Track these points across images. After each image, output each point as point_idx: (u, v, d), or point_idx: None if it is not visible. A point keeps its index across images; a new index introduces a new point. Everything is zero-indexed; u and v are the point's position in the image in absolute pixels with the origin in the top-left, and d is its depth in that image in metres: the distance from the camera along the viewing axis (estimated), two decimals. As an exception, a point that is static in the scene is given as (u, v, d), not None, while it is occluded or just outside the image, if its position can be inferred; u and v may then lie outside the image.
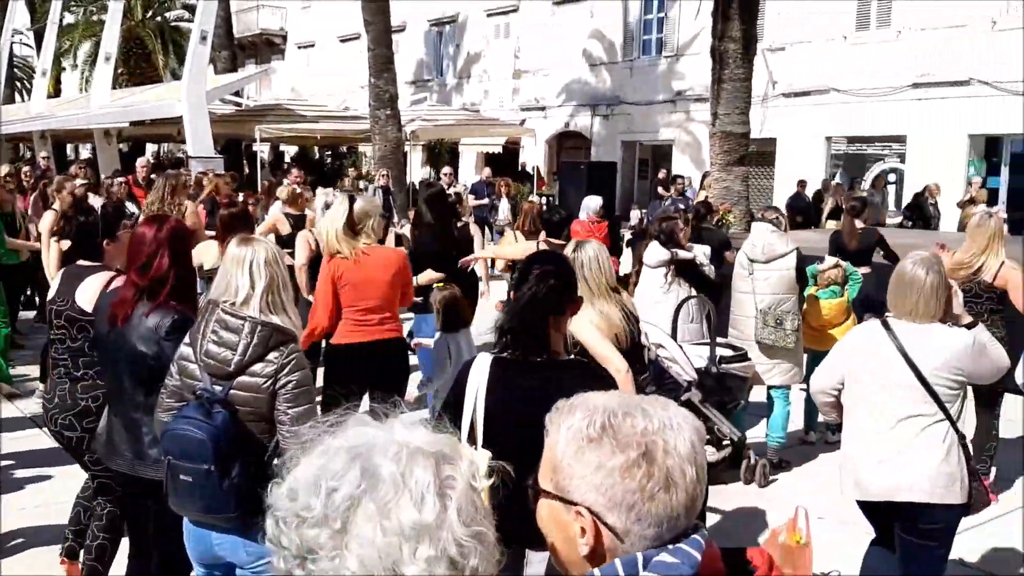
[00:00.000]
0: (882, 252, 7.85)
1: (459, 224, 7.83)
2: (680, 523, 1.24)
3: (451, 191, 13.77)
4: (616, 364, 3.71)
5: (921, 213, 16.58)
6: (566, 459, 1.27)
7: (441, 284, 6.22)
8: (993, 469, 6.07)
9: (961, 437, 3.52)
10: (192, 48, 18.87)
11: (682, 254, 6.76)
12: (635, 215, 19.58)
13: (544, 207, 8.79)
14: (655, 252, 6.74)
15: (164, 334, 3.23)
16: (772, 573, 1.30)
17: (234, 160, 21.57)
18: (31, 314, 10.46)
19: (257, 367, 2.96)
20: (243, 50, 37.46)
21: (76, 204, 7.26)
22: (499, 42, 29.67)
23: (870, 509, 3.70)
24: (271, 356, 2.97)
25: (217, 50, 26.09)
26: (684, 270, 6.80)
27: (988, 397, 5.79)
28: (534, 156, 27.81)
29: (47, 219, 8.30)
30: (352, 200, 5.18)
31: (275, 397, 2.96)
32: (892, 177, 20.41)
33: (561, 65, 27.29)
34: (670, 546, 1.24)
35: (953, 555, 4.91)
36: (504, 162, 26.36)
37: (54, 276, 4.60)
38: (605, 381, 2.88)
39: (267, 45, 39.11)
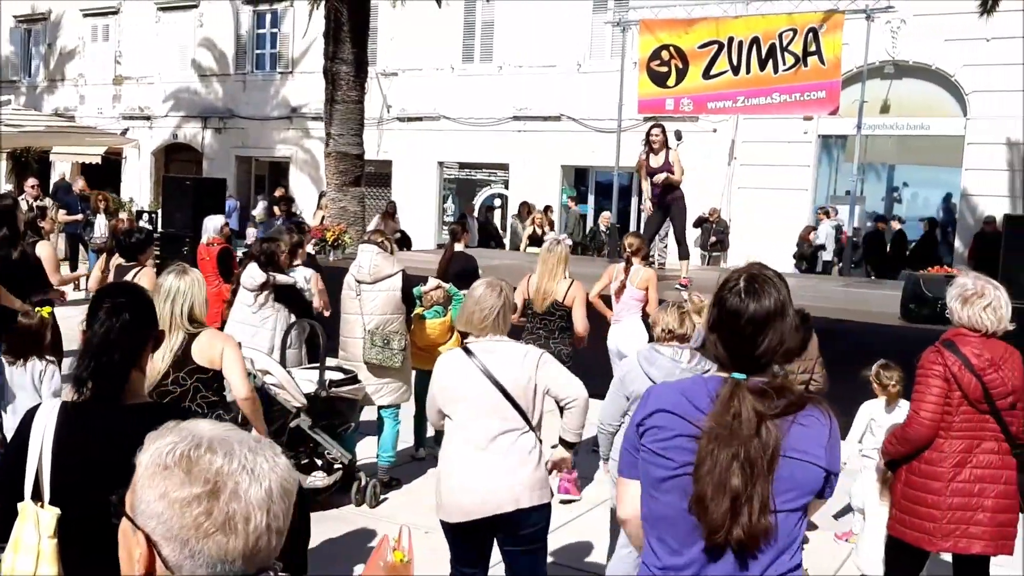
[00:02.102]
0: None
1: (32, 242, 7.02)
2: (236, 567, 1.22)
3: (37, 205, 12.39)
4: (240, 390, 4.05)
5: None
6: (142, 481, 1.25)
7: (49, 310, 5.55)
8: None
9: (540, 441, 3.84)
10: None
11: (280, 278, 6.64)
12: (251, 233, 18.99)
13: (129, 226, 8.16)
14: (252, 274, 6.57)
15: None
16: None
17: None
18: None
19: None
20: None
21: None
22: (98, 45, 27.44)
23: (465, 529, 3.81)
24: None
25: None
26: (282, 295, 6.69)
27: None
28: (139, 168, 26.04)
29: None
30: None
31: None
32: (498, 202, 21.84)
33: (168, 73, 25.89)
34: None
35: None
36: (104, 174, 24.33)
37: None
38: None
39: None
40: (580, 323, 6.42)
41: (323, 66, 14.53)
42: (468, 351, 3.81)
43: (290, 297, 6.77)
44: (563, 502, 6.22)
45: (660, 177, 9.68)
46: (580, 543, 5.64)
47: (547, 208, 18.42)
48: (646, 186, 10.01)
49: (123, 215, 12.98)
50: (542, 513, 3.80)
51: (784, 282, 2.25)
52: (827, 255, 16.58)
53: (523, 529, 3.77)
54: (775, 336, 2.16)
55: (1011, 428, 3.82)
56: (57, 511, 2.32)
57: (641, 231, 10.41)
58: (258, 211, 20.58)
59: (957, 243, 17.12)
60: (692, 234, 17.47)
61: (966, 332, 3.84)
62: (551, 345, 6.29)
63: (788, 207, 17.55)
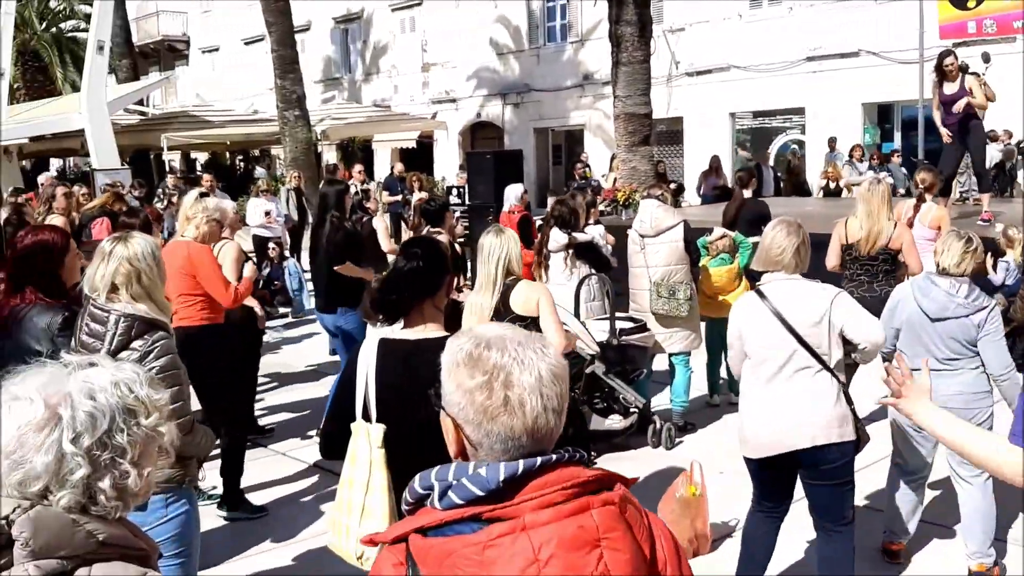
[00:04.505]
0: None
1: (363, 219, 8.04)
2: (523, 443, 1.45)
3: (361, 188, 13.89)
4: (552, 337, 4.31)
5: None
6: (443, 376, 1.52)
7: None
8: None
9: (842, 384, 3.83)
10: (89, 58, 18.55)
11: (579, 236, 7.04)
12: (551, 202, 19.81)
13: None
14: (555, 237, 7.03)
15: (56, 331, 3.39)
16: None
17: (143, 170, 21.23)
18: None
19: (123, 355, 3.09)
20: (145, 58, 36.67)
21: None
22: (406, 36, 29.68)
23: (767, 465, 3.95)
24: (136, 344, 3.13)
25: (117, 59, 25.59)
26: (583, 252, 7.08)
27: None
28: (448, 148, 27.95)
29: None
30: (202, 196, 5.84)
31: None
32: (796, 147, 21.07)
33: (469, 56, 27.45)
34: (490, 463, 1.45)
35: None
36: (418, 156, 26.47)
37: None
38: None
39: (170, 51, 38.38)
40: (916, 264, 6.04)
41: (608, 30, 14.87)
42: (760, 293, 3.89)
43: (589, 253, 7.16)
44: None
45: (960, 104, 9.05)
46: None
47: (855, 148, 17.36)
48: (938, 116, 9.41)
49: (421, 194, 14.09)
50: (841, 450, 3.79)
51: None
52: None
53: (822, 465, 3.81)
54: None
55: None
56: (383, 426, 2.81)
57: (939, 166, 9.76)
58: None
59: None
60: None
61: None
62: (876, 288, 6.06)
63: None
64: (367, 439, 2.84)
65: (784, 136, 21.62)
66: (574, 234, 6.89)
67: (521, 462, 1.43)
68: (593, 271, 6.82)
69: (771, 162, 19.96)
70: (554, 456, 1.46)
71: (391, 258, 8.84)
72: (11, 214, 7.41)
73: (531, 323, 4.52)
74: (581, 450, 1.52)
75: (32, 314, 3.49)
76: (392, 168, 19.58)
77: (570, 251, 6.90)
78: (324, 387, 7.87)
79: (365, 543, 1.57)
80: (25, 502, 1.47)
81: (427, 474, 1.49)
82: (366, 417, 2.86)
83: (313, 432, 7.09)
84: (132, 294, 3.16)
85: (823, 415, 3.75)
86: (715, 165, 18.00)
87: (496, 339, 1.51)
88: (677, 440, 6.58)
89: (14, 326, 3.54)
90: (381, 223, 7.98)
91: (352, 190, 12.75)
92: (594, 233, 7.19)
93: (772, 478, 4.00)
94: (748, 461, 4.03)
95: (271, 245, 12.74)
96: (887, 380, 2.49)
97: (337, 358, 7.53)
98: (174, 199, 13.18)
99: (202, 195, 6.40)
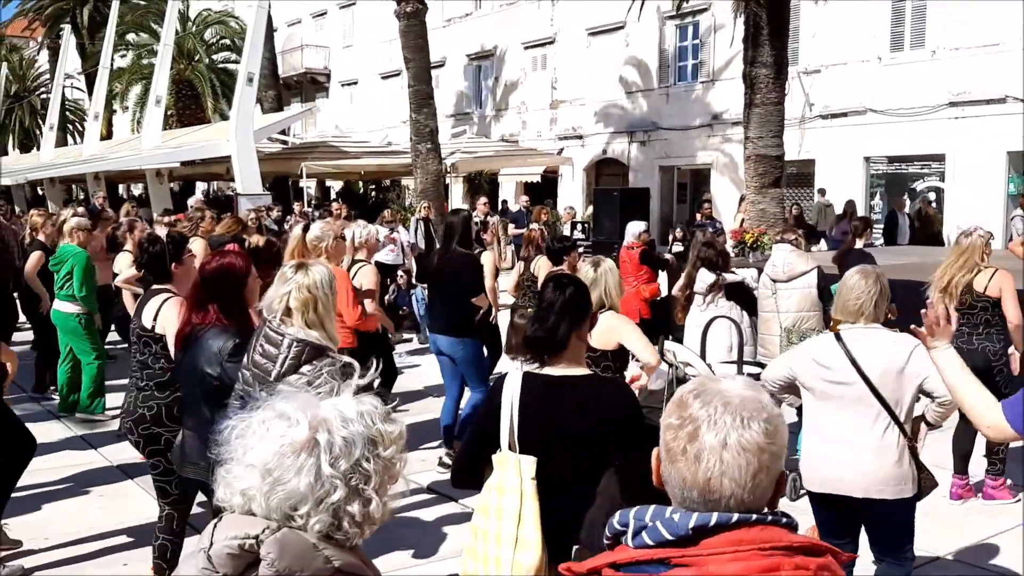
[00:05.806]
0: None
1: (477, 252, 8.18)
2: (693, 497, 1.48)
3: (487, 219, 14.16)
4: (646, 357, 4.49)
5: None
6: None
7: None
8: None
9: (908, 440, 3.76)
10: (239, 89, 19.57)
11: (728, 277, 6.98)
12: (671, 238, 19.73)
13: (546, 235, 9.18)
14: (702, 278, 7.00)
15: (226, 356, 3.61)
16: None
17: (282, 196, 22.21)
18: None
19: (292, 378, 3.26)
20: (289, 89, 38.36)
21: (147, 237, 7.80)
22: (536, 73, 30.13)
23: (825, 501, 3.95)
24: (304, 369, 3.29)
25: (263, 90, 26.85)
26: (733, 293, 7.02)
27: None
28: (572, 183, 28.15)
29: (125, 260, 8.86)
30: (306, 228, 6.23)
31: None
32: (932, 196, 20.37)
33: (597, 93, 27.62)
34: (683, 511, 1.49)
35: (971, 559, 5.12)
36: (542, 189, 26.74)
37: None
38: (623, 393, 3.12)
39: (312, 84, 40.07)
40: (1013, 313, 5.85)
41: (742, 71, 14.78)
42: (839, 336, 3.85)
43: (739, 294, 7.09)
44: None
45: None
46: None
47: None
48: None
49: (534, 225, 14.27)
50: (899, 506, 3.77)
51: None
52: None
53: (877, 515, 3.80)
54: None
55: None
56: (535, 458, 2.86)
57: None
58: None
59: None
60: None
61: None
62: (975, 341, 5.88)
63: None
64: (517, 470, 2.87)
65: (922, 182, 20.92)
66: (724, 275, 6.86)
67: (715, 514, 1.45)
68: (724, 315, 6.77)
69: (906, 209, 19.35)
70: (754, 516, 1.46)
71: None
72: (172, 232, 7.90)
73: (602, 357, 4.48)
74: (789, 515, 1.51)
75: (209, 335, 3.77)
76: (516, 200, 19.90)
77: (715, 292, 6.88)
78: (435, 410, 7.95)
79: (564, 570, 1.59)
80: (273, 523, 1.54)
81: (627, 512, 1.54)
82: (511, 447, 2.91)
83: (427, 455, 7.24)
84: (307, 320, 3.34)
85: (883, 471, 3.72)
86: (849, 210, 17.58)
87: (710, 391, 1.53)
88: (801, 491, 6.42)
89: (193, 344, 3.82)
90: (489, 257, 8.02)
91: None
92: (746, 275, 7.14)
93: (830, 516, 3.97)
94: (810, 495, 4.04)
95: (399, 272, 13.11)
96: (924, 315, 2.92)
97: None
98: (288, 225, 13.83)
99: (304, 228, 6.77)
